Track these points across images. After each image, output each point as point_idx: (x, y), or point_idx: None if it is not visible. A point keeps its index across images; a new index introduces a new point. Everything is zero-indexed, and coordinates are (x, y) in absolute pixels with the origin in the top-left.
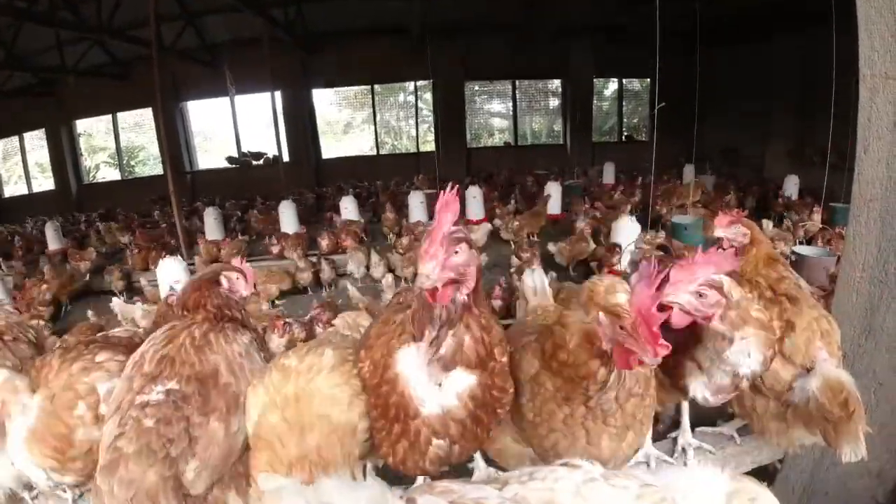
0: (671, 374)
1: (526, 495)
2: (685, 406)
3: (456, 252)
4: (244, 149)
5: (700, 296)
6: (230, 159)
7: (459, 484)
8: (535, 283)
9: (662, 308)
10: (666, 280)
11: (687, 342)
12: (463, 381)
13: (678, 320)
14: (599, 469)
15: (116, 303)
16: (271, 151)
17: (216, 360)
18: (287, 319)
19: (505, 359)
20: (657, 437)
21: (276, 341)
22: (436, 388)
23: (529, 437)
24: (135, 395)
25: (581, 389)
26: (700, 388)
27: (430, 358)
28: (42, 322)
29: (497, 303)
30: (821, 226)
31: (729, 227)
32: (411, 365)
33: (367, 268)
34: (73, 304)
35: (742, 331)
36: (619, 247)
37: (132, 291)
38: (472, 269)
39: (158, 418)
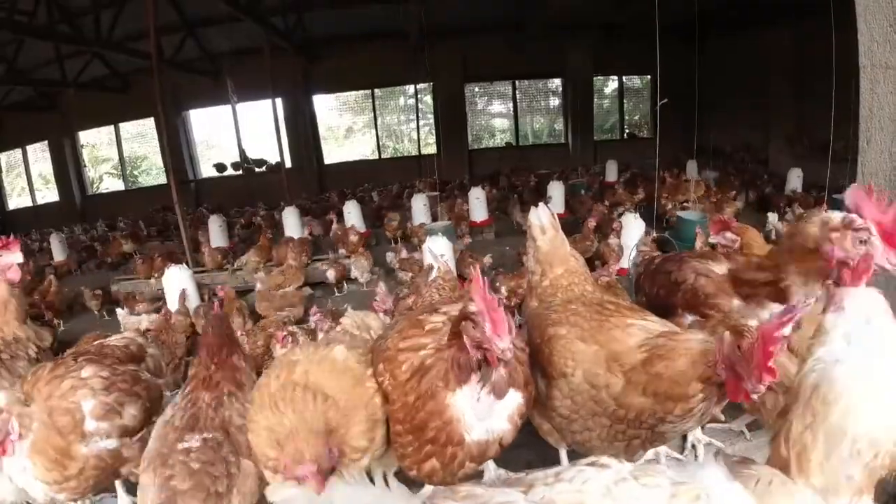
0: None
1: (553, 498)
2: None
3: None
4: (247, 155)
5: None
6: (218, 167)
7: (483, 488)
8: (542, 220)
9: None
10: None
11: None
12: (512, 402)
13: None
14: (628, 467)
15: (121, 314)
16: (273, 158)
17: (230, 413)
18: (289, 329)
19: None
20: None
21: (279, 352)
22: (486, 415)
23: (558, 425)
24: (173, 444)
25: (660, 410)
26: None
27: (480, 396)
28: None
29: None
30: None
31: (719, 235)
32: (466, 402)
33: (372, 272)
34: (78, 315)
35: None
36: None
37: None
38: None
39: (204, 461)
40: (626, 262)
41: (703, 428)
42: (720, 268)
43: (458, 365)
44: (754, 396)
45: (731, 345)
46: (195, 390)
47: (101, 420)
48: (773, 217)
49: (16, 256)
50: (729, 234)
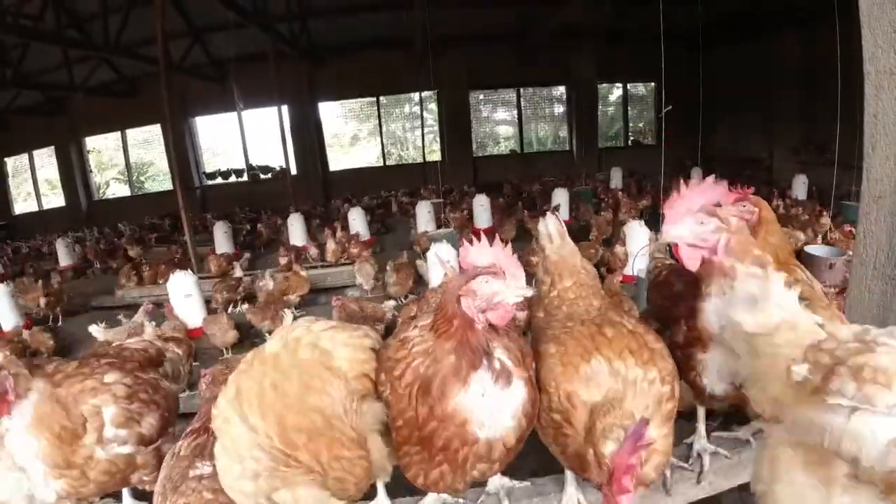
0: (683, 369)
1: None
2: (701, 412)
3: (701, 223)
4: (252, 162)
5: (700, 224)
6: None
7: None
8: (550, 229)
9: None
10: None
11: (695, 338)
12: (517, 396)
13: (688, 258)
14: None
15: (95, 330)
16: (279, 165)
17: None
18: None
19: (533, 370)
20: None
21: None
22: (494, 410)
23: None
24: (185, 472)
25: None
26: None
27: (496, 374)
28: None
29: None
30: (831, 225)
31: (736, 204)
32: (474, 395)
33: (377, 279)
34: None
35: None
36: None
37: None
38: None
39: (216, 489)
40: (629, 270)
41: (709, 436)
42: None
43: (467, 347)
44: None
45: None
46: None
47: (120, 427)
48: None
49: None
50: (745, 205)
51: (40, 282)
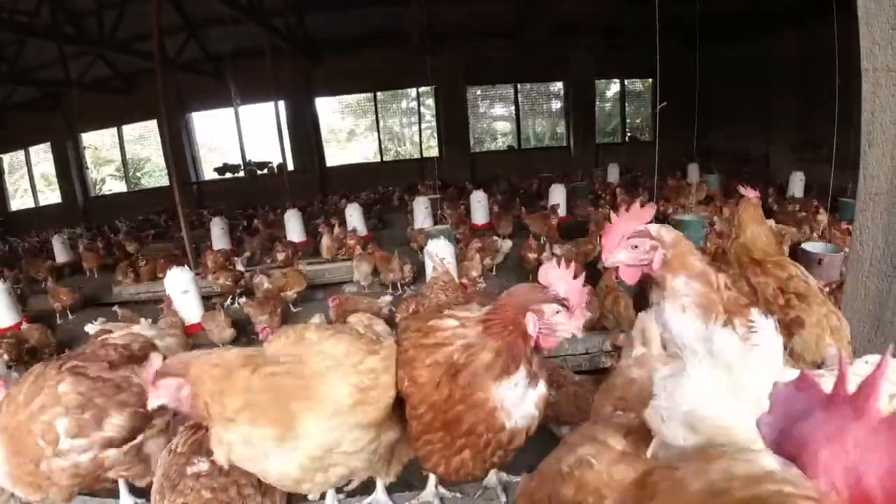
0: None
1: None
2: None
3: (635, 247)
4: (249, 158)
5: (634, 248)
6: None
7: None
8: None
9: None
10: None
11: None
12: (539, 391)
13: (628, 277)
14: None
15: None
16: (276, 160)
17: None
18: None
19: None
20: None
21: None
22: (520, 401)
23: None
24: (182, 469)
25: None
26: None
27: (530, 379)
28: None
29: None
30: (827, 222)
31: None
32: (506, 390)
33: (373, 275)
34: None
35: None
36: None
37: None
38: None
39: (214, 487)
40: None
41: None
42: None
43: (510, 355)
44: None
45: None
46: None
47: (76, 437)
48: (769, 222)
49: None
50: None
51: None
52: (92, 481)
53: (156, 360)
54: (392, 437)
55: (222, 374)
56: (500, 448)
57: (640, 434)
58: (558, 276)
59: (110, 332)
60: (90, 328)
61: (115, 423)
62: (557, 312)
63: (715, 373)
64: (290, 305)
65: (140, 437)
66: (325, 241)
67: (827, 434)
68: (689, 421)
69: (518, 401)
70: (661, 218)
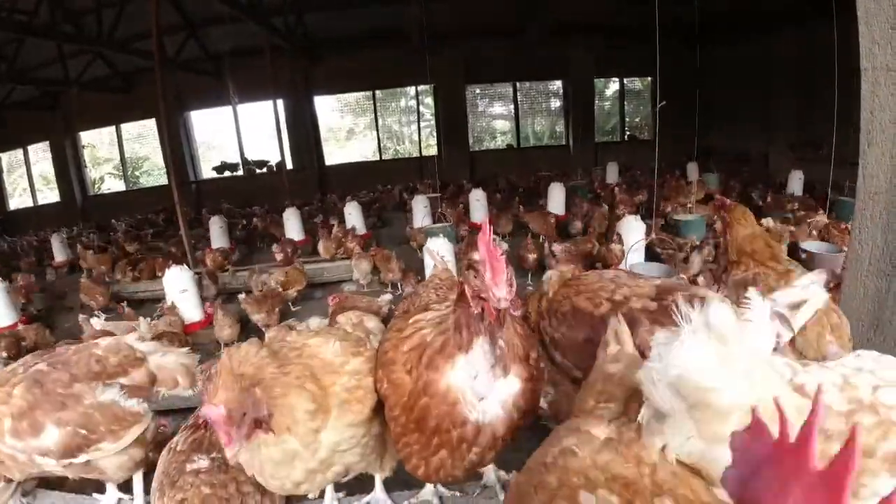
0: None
1: None
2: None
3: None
4: (247, 157)
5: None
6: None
7: None
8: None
9: None
10: None
11: None
12: (511, 386)
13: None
14: None
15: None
16: (274, 159)
17: None
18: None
19: (543, 365)
20: None
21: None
22: (484, 394)
23: None
24: (182, 466)
25: None
26: None
27: (493, 361)
28: None
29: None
30: (827, 221)
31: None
32: (463, 375)
33: (373, 273)
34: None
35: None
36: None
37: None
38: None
39: (213, 483)
40: (624, 265)
41: None
42: None
43: (460, 325)
44: None
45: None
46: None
47: (15, 439)
48: (767, 221)
49: None
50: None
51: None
52: (38, 477)
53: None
54: (380, 430)
55: None
56: (474, 445)
57: (623, 420)
58: (477, 241)
59: (110, 333)
60: (95, 322)
61: (51, 437)
62: (475, 276)
63: (708, 342)
64: (290, 304)
65: (83, 457)
66: (323, 243)
67: (773, 491)
68: (676, 385)
69: (484, 391)
70: (662, 218)
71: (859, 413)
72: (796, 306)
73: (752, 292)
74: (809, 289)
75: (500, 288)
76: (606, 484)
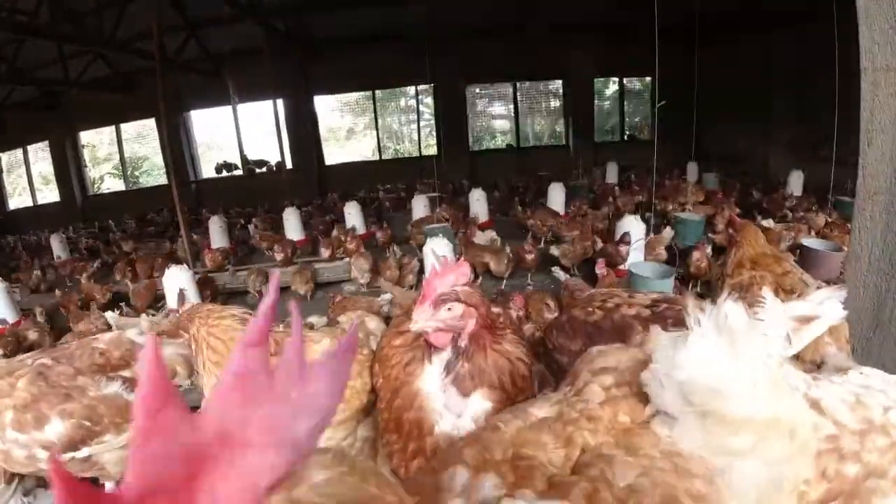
0: None
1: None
2: None
3: (448, 309)
4: (247, 156)
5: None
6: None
7: None
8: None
9: None
10: None
11: None
12: (479, 406)
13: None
14: None
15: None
16: (274, 159)
17: None
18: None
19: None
20: None
21: None
22: (454, 409)
23: None
24: None
25: None
26: None
27: (444, 382)
28: None
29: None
30: (826, 220)
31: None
32: (431, 384)
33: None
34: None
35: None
36: (628, 235)
37: None
38: (466, 321)
39: None
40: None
41: None
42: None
43: (426, 349)
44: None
45: None
46: None
47: (18, 432)
48: (767, 222)
49: None
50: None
51: None
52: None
53: None
54: (370, 435)
55: None
56: None
57: (571, 399)
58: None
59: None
60: (110, 317)
61: (55, 429)
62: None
63: (717, 342)
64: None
65: (86, 451)
66: (323, 245)
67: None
68: (684, 391)
69: (450, 407)
70: (661, 218)
71: (872, 434)
72: (805, 321)
73: (765, 291)
74: (824, 305)
75: (416, 312)
76: (497, 465)
